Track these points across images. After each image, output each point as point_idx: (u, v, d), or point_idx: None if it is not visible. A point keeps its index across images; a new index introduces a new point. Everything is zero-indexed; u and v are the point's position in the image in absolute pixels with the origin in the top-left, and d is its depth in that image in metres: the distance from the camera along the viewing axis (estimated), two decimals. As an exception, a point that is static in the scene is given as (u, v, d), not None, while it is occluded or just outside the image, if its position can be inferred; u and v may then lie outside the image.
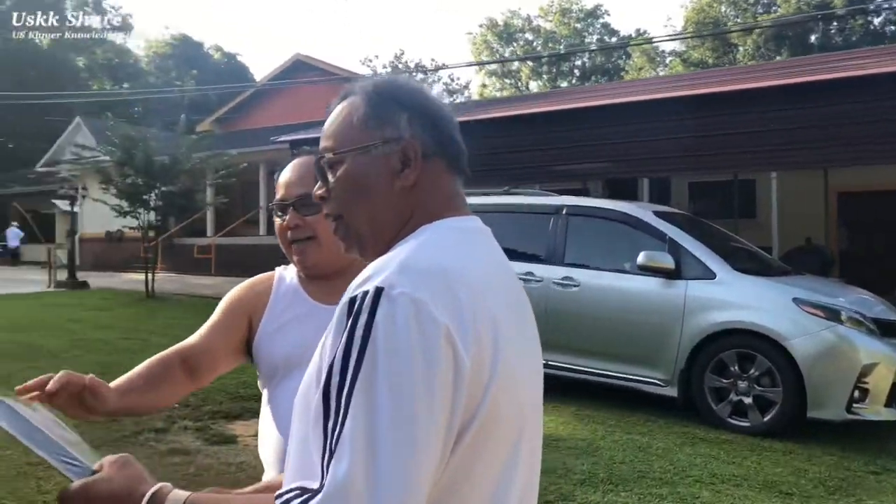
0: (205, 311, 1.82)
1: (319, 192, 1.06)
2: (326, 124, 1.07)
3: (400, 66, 47.76)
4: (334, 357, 0.81)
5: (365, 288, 0.83)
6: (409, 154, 0.99)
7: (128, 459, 0.97)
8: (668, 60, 43.22)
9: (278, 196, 1.63)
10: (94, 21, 47.94)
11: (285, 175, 1.64)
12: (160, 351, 1.62)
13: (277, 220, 1.64)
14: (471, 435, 0.83)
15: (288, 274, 1.74)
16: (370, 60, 50.00)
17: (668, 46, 43.11)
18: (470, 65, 48.69)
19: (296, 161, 1.66)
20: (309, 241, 1.58)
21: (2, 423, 0.97)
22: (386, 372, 0.78)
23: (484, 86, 49.66)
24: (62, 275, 17.88)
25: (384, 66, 47.74)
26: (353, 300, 0.83)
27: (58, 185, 21.41)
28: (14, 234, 28.93)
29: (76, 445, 1.06)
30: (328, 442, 0.78)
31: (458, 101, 42.67)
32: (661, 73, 37.86)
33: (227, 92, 33.07)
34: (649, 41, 41.88)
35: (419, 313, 0.80)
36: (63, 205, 20.64)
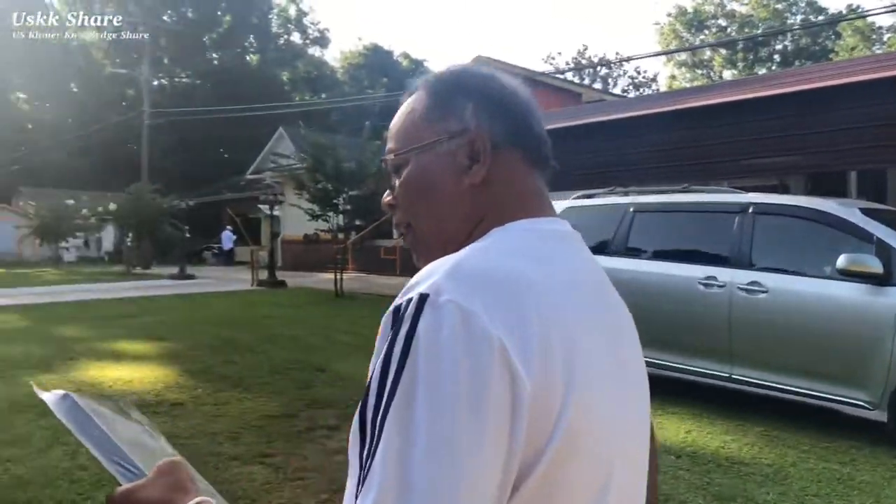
0: (386, 309, 1.76)
1: (388, 199, 0.96)
2: (391, 123, 0.96)
3: (583, 61, 46.94)
4: (372, 374, 0.71)
5: (410, 295, 0.72)
6: (476, 147, 0.88)
7: (174, 466, 0.88)
8: (886, 38, 38.93)
9: None
10: (296, 37, 51.82)
11: None
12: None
13: None
14: (536, 477, 0.70)
15: None
16: (552, 58, 49.58)
17: (886, 20, 38.85)
18: (656, 55, 46.73)
19: None
20: None
21: (61, 418, 0.94)
22: (426, 392, 0.67)
23: (673, 77, 47.61)
24: (264, 274, 19.36)
25: (567, 63, 47.20)
26: (397, 309, 0.72)
27: (261, 192, 23.17)
28: (227, 237, 31.88)
29: (152, 452, 1.01)
30: (361, 472, 0.68)
31: (644, 93, 41.15)
32: (878, 52, 34.08)
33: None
34: (864, 16, 37.91)
35: (468, 325, 0.68)
36: (266, 209, 22.31)
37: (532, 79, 22.10)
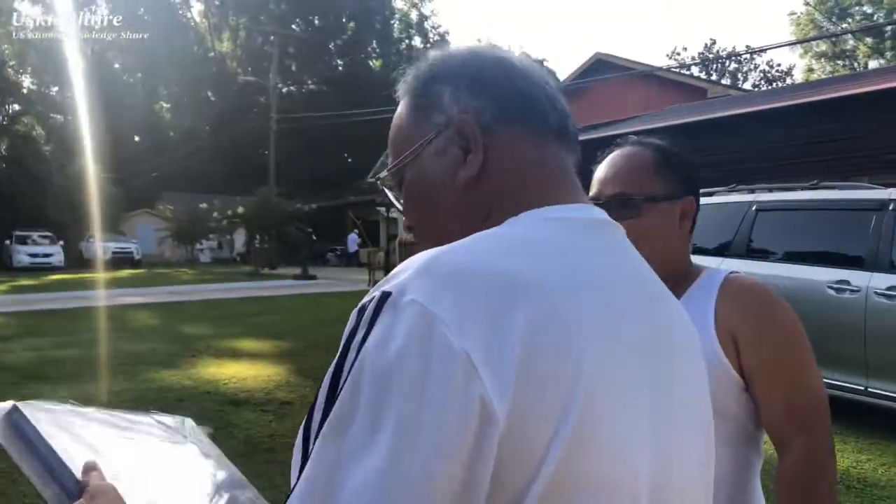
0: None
1: (406, 222, 0.85)
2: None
3: (710, 55, 44.95)
4: (321, 385, 0.61)
5: (374, 293, 0.61)
6: (465, 133, 0.75)
7: (98, 490, 0.80)
8: None
9: (591, 193, 1.43)
10: (417, 41, 52.83)
11: (600, 170, 1.45)
12: None
13: None
14: None
15: None
16: (677, 53, 47.80)
17: None
18: (791, 44, 43.91)
19: (616, 153, 1.45)
20: None
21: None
22: (365, 416, 0.56)
23: (810, 70, 44.74)
24: (381, 275, 19.72)
25: (692, 59, 45.35)
26: (361, 309, 0.61)
27: (379, 195, 23.61)
28: (353, 240, 32.93)
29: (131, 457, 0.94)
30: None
31: (776, 87, 38.93)
32: None
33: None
34: None
35: (428, 332, 0.56)
36: (383, 212, 22.76)
37: (652, 75, 21.34)
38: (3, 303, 14.96)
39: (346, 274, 26.21)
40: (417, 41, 53.30)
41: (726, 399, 1.29)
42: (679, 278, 1.39)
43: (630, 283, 0.71)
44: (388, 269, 19.83)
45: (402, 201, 0.83)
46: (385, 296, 0.59)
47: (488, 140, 0.74)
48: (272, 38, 39.63)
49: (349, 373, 0.58)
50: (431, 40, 53.33)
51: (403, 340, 0.56)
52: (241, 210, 29.12)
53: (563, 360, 0.59)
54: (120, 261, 30.12)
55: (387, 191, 0.86)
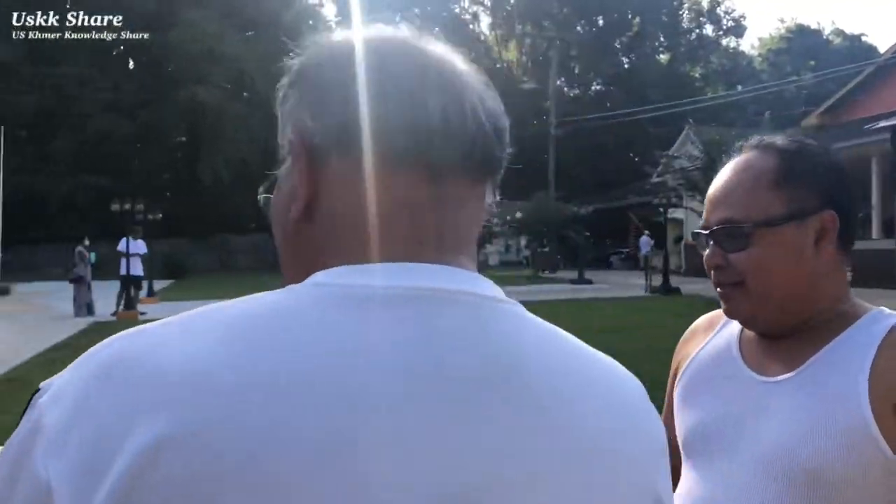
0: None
1: None
2: None
3: None
4: None
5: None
6: (297, 161, 0.59)
7: None
8: None
9: (702, 220, 1.17)
10: (709, 30, 50.00)
11: (713, 185, 1.15)
12: None
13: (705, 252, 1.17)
14: None
15: None
16: None
17: None
18: None
19: (731, 164, 1.13)
20: (735, 288, 1.09)
21: None
22: None
23: None
24: (659, 279, 18.87)
25: None
26: None
27: (663, 194, 22.52)
28: (645, 242, 31.83)
29: None
30: None
31: None
32: None
33: (847, 78, 30.22)
34: None
35: (26, 450, 0.48)
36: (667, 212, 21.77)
37: None
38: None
39: (626, 278, 25.49)
40: (709, 30, 50.33)
41: (870, 482, 0.97)
42: (818, 321, 1.06)
43: (420, 389, 0.49)
44: (666, 274, 18.78)
45: None
46: (35, 392, 0.50)
47: (320, 172, 0.57)
48: (558, 42, 39.87)
49: None
50: (724, 27, 50.00)
51: (10, 456, 0.48)
52: (518, 215, 29.77)
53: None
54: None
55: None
